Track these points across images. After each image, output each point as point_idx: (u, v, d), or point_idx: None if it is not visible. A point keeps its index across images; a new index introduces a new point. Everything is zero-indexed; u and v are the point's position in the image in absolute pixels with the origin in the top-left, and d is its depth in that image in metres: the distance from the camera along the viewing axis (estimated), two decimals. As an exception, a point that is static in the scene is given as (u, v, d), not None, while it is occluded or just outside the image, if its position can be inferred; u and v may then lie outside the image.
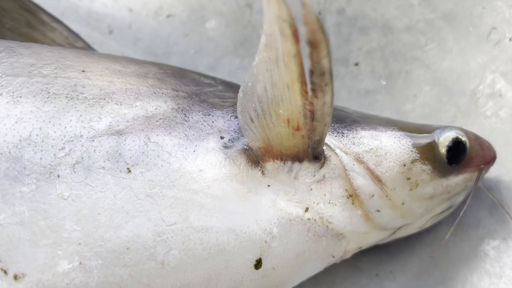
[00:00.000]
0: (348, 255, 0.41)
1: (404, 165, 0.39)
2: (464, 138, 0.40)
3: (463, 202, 0.43)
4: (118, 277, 0.31)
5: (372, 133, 0.39)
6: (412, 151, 0.39)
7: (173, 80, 0.40)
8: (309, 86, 0.30)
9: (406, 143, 0.39)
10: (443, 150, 0.40)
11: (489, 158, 0.42)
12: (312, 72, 0.29)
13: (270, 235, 0.34)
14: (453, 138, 0.40)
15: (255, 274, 0.34)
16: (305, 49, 0.28)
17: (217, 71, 0.61)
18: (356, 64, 0.59)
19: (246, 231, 0.34)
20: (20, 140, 0.32)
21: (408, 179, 0.39)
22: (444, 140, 0.41)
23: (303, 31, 0.27)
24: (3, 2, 0.50)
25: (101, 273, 0.31)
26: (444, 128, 0.42)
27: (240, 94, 0.34)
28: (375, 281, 0.48)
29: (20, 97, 0.34)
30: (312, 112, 0.31)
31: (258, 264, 0.34)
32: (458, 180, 0.41)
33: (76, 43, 0.49)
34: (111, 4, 0.59)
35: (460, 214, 0.41)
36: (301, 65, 0.29)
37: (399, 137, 0.40)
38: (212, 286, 0.33)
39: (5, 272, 0.29)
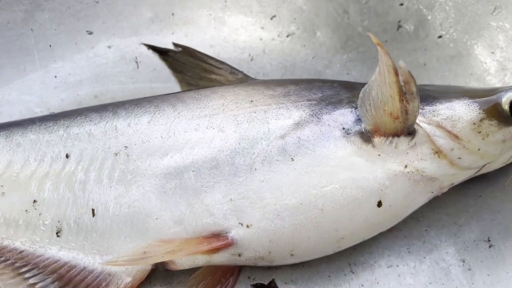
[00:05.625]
0: (445, 190, 0.60)
1: (474, 124, 0.56)
2: None
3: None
4: (299, 220, 0.54)
5: (447, 105, 0.57)
6: (479, 113, 0.56)
7: (306, 92, 0.61)
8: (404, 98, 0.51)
9: (474, 107, 0.56)
10: (506, 107, 0.56)
11: None
12: (405, 93, 0.50)
13: (384, 186, 0.55)
14: None
15: (378, 210, 0.55)
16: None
17: (331, 67, 0.81)
18: (440, 37, 0.75)
19: (368, 186, 0.55)
20: (231, 152, 0.56)
21: (479, 132, 0.56)
22: (506, 100, 0.56)
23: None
24: (181, 57, 0.75)
25: (290, 219, 0.54)
26: (507, 90, 0.57)
27: (361, 94, 0.55)
28: (480, 201, 0.65)
29: (223, 127, 0.58)
30: (406, 110, 0.51)
31: (379, 204, 0.55)
32: None
33: (237, 75, 0.71)
34: (248, 38, 0.82)
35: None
36: (399, 87, 0.51)
37: (468, 104, 0.56)
38: (353, 220, 0.55)
39: (241, 224, 0.54)
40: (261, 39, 0.82)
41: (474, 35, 0.72)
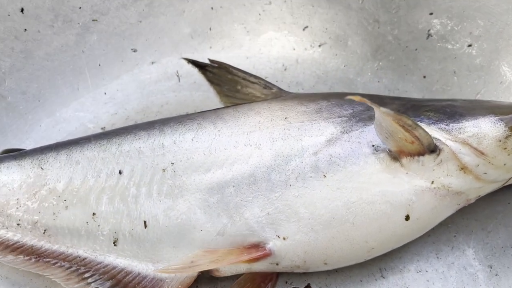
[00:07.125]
0: (472, 201, 0.63)
1: (500, 141, 0.58)
2: None
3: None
4: (331, 233, 0.59)
5: (473, 123, 0.59)
6: (505, 130, 0.58)
7: (337, 108, 0.65)
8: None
9: (500, 125, 0.58)
10: None
11: None
12: (404, 126, 0.54)
13: (411, 201, 0.59)
14: None
15: (406, 223, 0.59)
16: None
17: (363, 76, 0.84)
18: (470, 45, 0.76)
19: (396, 200, 0.59)
20: (267, 168, 0.61)
21: (505, 148, 0.58)
22: None
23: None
24: (218, 72, 0.79)
25: (323, 232, 0.59)
26: None
27: (374, 125, 0.59)
28: (508, 207, 0.68)
29: (260, 144, 0.63)
30: (416, 136, 0.55)
31: (407, 217, 0.59)
32: None
33: (272, 89, 0.75)
34: (281, 49, 0.86)
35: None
36: (397, 122, 0.55)
37: (494, 122, 0.59)
38: (382, 232, 0.59)
39: (278, 236, 0.60)
40: (294, 50, 0.86)
41: (504, 44, 0.73)
